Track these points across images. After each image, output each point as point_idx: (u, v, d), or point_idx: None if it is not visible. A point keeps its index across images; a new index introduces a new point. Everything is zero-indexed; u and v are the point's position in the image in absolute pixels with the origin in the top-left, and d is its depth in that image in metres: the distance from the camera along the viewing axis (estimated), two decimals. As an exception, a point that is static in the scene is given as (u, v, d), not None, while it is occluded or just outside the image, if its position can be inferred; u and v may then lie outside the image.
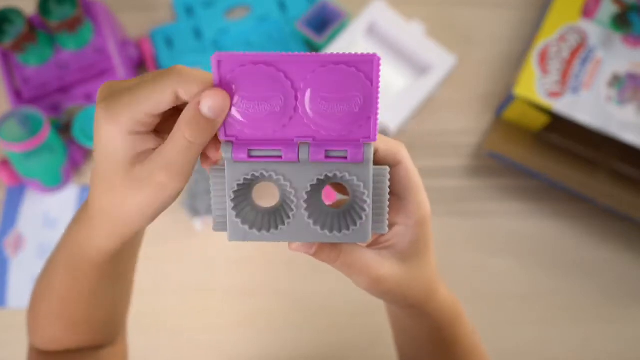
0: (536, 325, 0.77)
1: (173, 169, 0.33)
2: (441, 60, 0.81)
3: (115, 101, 0.32)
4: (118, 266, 0.44)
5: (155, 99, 0.32)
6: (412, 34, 0.82)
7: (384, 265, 0.37)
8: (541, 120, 0.78)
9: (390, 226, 0.38)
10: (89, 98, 0.81)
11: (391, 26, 0.82)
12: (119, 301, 0.49)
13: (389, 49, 0.84)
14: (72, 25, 0.76)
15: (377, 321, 0.74)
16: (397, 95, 0.80)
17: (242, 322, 0.77)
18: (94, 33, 0.80)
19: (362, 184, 0.34)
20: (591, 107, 0.75)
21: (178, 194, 0.34)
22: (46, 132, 0.74)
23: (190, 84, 0.32)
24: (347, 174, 0.34)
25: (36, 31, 0.77)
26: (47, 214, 0.82)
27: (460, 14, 0.90)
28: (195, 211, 0.78)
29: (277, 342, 0.76)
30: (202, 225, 0.79)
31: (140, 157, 0.33)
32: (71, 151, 0.81)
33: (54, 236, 0.81)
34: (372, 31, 0.84)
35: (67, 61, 0.79)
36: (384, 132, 0.81)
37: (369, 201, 0.34)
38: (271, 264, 0.79)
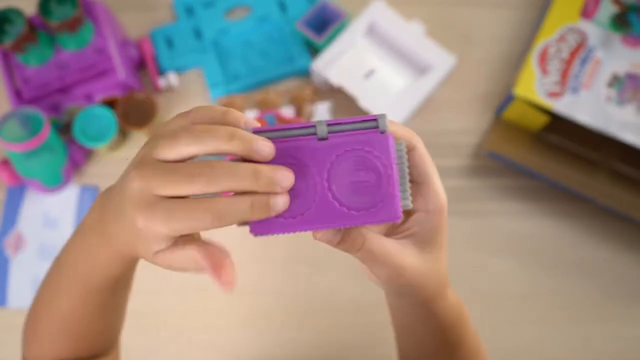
0: (536, 325, 0.77)
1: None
2: (441, 60, 0.81)
3: (153, 211, 0.32)
4: (126, 282, 0.45)
5: (193, 228, 0.32)
6: (412, 34, 0.82)
7: (405, 254, 0.36)
8: (541, 120, 0.79)
9: (410, 213, 0.37)
10: (89, 98, 0.81)
11: (391, 26, 0.82)
12: (121, 313, 0.49)
13: (389, 48, 0.84)
14: (73, 25, 0.76)
15: (377, 320, 0.76)
16: (397, 95, 0.80)
17: (242, 322, 0.77)
18: (94, 33, 0.80)
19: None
20: (591, 107, 0.75)
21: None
22: (46, 132, 0.74)
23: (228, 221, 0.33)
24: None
25: (36, 31, 0.77)
26: (47, 214, 0.82)
27: (460, 14, 0.90)
28: None
29: (277, 342, 0.76)
30: None
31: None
32: (71, 151, 0.81)
33: (54, 236, 0.81)
34: (372, 31, 0.85)
35: (67, 61, 0.79)
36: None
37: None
38: (271, 264, 0.79)
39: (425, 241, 0.37)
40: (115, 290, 0.44)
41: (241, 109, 0.82)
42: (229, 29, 0.88)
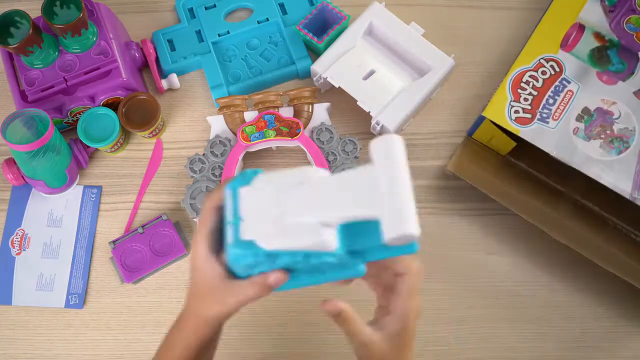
0: (534, 323, 0.78)
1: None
2: (439, 62, 0.81)
3: (214, 296, 0.50)
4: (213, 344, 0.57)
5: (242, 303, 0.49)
6: (410, 35, 0.82)
7: (375, 334, 0.50)
8: (508, 144, 0.78)
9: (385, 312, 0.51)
10: (93, 100, 0.81)
11: (390, 28, 0.82)
12: None
13: (388, 50, 0.84)
14: (77, 28, 0.76)
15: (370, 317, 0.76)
16: (395, 97, 0.80)
17: (236, 323, 0.77)
18: (98, 36, 0.80)
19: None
20: (558, 137, 0.74)
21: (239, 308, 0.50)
22: (51, 133, 0.75)
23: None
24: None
25: (41, 34, 0.77)
26: (51, 213, 0.83)
27: (459, 16, 0.90)
28: (196, 211, 0.78)
29: (273, 341, 0.77)
30: None
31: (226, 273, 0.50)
32: (75, 152, 0.82)
33: (59, 235, 0.82)
34: (372, 33, 0.85)
35: (71, 63, 0.79)
36: (383, 132, 0.81)
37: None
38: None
39: (391, 336, 0.50)
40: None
41: (241, 109, 0.82)
42: (230, 31, 0.88)
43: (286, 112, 0.82)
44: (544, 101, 0.76)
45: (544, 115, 0.75)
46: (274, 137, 0.80)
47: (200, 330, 0.52)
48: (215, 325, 0.52)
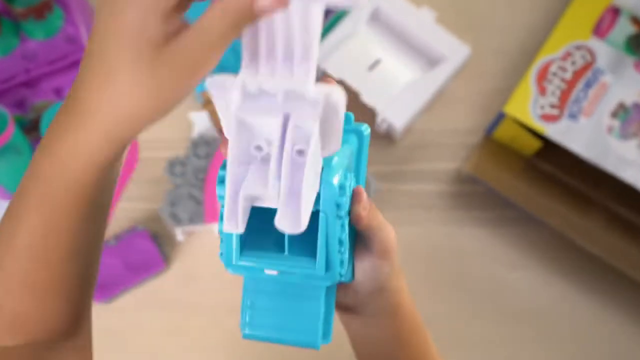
0: (563, 348, 0.76)
1: (210, 45, 0.31)
2: (454, 51, 0.80)
3: (140, 72, 0.31)
4: (102, 195, 0.37)
5: None
6: (421, 21, 0.81)
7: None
8: (533, 145, 0.77)
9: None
10: (59, 93, 0.81)
11: (398, 12, 0.82)
12: (92, 261, 0.41)
13: (395, 37, 0.83)
14: (40, 11, 0.77)
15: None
16: (404, 90, 0.79)
17: (229, 343, 0.75)
18: (65, 20, 0.80)
19: None
20: (589, 136, 0.73)
21: (193, 87, 0.32)
22: (10, 131, 0.72)
23: None
24: None
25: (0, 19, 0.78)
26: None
27: (476, -1, 0.90)
28: (176, 219, 0.76)
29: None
30: (184, 235, 0.78)
31: (169, 36, 0.31)
32: None
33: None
34: (377, 18, 0.83)
35: (34, 52, 0.79)
36: (390, 131, 0.80)
37: None
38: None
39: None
40: (94, 200, 0.36)
41: None
42: None
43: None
44: (573, 95, 0.75)
45: (574, 111, 0.74)
46: (266, 136, 0.76)
47: (95, 155, 0.34)
48: (120, 147, 0.34)
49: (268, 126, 0.32)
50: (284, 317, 0.39)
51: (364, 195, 0.38)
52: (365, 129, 0.40)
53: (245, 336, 0.39)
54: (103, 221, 0.40)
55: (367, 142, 0.40)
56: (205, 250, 0.77)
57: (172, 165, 0.78)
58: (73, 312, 0.41)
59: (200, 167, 0.78)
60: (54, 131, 0.35)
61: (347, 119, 0.38)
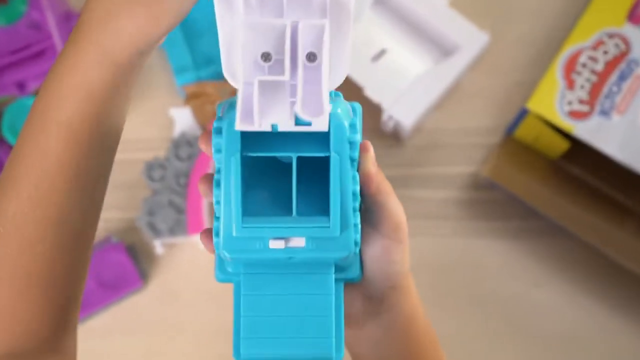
0: None
1: None
2: (470, 39, 0.78)
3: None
4: (111, 112, 0.40)
5: None
6: (433, 5, 0.79)
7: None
8: (560, 145, 0.75)
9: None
10: (22, 87, 0.78)
11: None
12: (81, 260, 0.43)
13: (403, 23, 0.81)
14: None
15: None
16: (413, 84, 0.77)
17: None
18: (28, 4, 0.77)
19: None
20: (622, 136, 0.71)
21: None
22: None
23: None
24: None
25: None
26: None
27: (495, -20, 0.88)
28: (154, 230, 0.74)
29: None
30: (163, 248, 0.76)
31: None
32: (1, 155, 0.78)
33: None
34: (382, 2, 0.80)
35: None
36: (398, 130, 0.77)
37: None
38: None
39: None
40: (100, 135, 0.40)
41: (215, 99, 0.79)
42: (200, 1, 0.80)
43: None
44: (605, 89, 0.73)
45: (606, 107, 0.72)
46: (256, 134, 0.74)
47: (112, 71, 0.39)
48: (136, 59, 0.39)
49: (276, 30, 0.33)
50: (286, 327, 0.37)
51: (372, 149, 0.37)
52: (358, 105, 0.39)
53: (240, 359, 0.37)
54: (103, 178, 0.42)
55: (360, 119, 0.39)
56: (187, 265, 0.76)
57: (151, 168, 0.76)
58: (57, 317, 0.41)
59: (182, 170, 0.75)
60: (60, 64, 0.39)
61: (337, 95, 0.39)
